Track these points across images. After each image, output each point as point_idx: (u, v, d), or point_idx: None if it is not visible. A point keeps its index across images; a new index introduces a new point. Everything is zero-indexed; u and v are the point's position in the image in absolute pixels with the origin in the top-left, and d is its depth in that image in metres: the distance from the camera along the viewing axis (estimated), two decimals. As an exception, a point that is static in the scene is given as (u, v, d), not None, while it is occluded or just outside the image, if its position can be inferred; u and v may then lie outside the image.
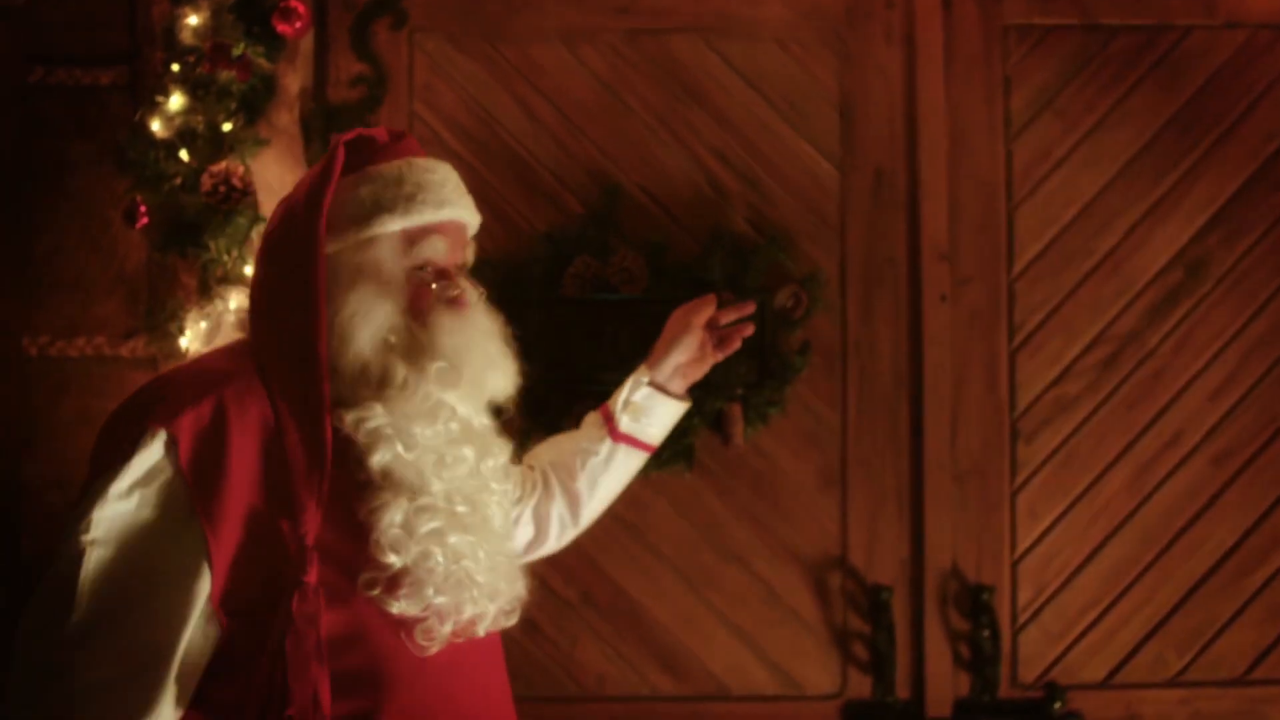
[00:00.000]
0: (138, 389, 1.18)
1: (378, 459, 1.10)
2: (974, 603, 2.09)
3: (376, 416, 1.11)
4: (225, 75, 2.02)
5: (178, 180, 2.03)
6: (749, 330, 1.48)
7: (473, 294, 1.20)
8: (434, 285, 1.17)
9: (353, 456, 1.11)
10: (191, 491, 1.04)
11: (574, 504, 1.51)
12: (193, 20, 1.98)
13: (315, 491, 1.07)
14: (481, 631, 1.16)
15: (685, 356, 1.46)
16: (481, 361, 1.18)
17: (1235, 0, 2.15)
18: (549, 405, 2.05)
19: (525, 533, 1.51)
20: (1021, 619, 2.12)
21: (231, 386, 1.11)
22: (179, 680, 1.05)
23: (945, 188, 2.15)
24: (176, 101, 2.04)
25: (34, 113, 2.13)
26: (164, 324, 2.08)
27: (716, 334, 1.46)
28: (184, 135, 2.03)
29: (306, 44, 2.10)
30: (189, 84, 2.05)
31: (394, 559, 1.07)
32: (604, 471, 1.49)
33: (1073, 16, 2.16)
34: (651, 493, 2.11)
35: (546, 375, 1.96)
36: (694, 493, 2.12)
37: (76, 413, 2.10)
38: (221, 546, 1.05)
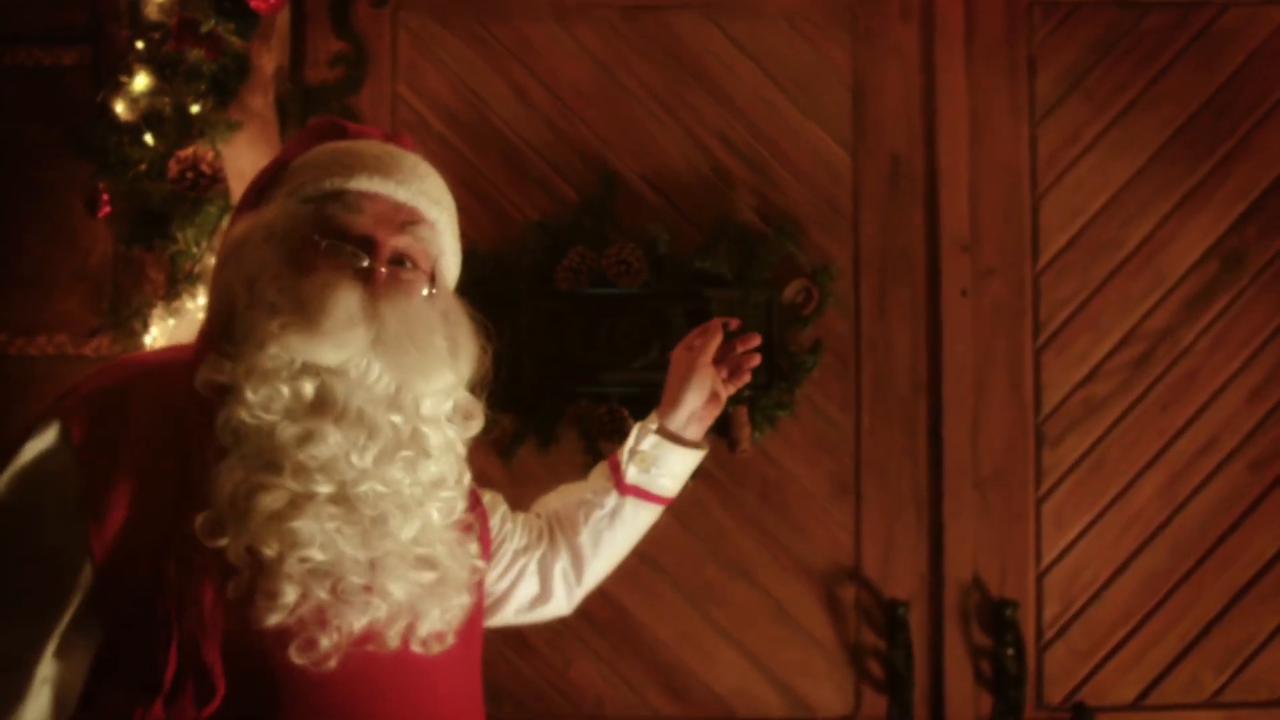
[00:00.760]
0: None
1: (222, 418, 1.00)
2: (997, 618, 1.99)
3: (222, 371, 1.02)
4: (194, 54, 1.91)
5: (142, 167, 1.92)
6: (756, 360, 1.40)
7: (414, 283, 1.09)
8: (336, 250, 1.05)
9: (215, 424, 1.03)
10: (81, 483, 1.00)
11: (577, 560, 1.40)
12: (159, -7, 1.87)
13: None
14: (392, 644, 1.03)
15: (700, 400, 1.37)
16: (406, 345, 1.05)
17: (1275, -25, 2.06)
18: (541, 407, 1.99)
19: (529, 588, 1.40)
20: (1047, 635, 2.04)
21: (146, 375, 1.07)
22: (54, 684, 1.00)
23: (965, 175, 2.06)
24: (141, 82, 1.93)
25: (-10, 95, 2.02)
26: (128, 321, 1.95)
27: (727, 366, 1.39)
28: (150, 118, 1.92)
29: (282, 21, 1.98)
30: (155, 63, 1.93)
31: (220, 541, 0.97)
32: (609, 526, 1.39)
33: (1102, -9, 2.07)
34: None
35: (538, 375, 1.93)
36: (697, 502, 2.03)
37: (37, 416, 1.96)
38: (108, 542, 0.99)
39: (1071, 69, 2.08)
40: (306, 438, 0.99)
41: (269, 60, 1.98)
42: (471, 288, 2.03)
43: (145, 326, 1.86)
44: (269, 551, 0.97)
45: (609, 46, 2.08)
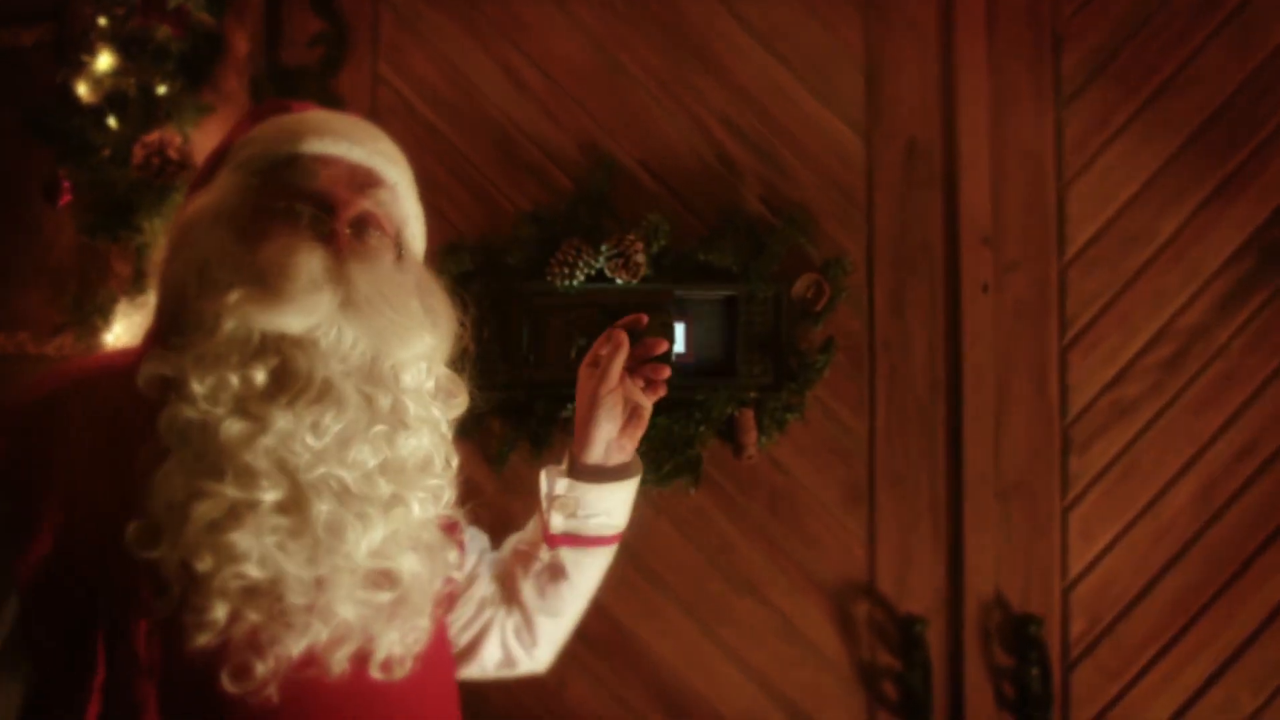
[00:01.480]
0: None
1: (165, 417, 0.93)
2: (1020, 636, 1.92)
3: (166, 364, 0.94)
4: (161, 31, 1.84)
5: (106, 152, 1.84)
6: (666, 372, 1.17)
7: (380, 249, 1.02)
8: (295, 210, 0.99)
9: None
10: (2, 510, 0.93)
11: (526, 620, 1.28)
12: (123, -34, 1.77)
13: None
14: (337, 669, 0.95)
15: (615, 424, 1.17)
16: (380, 306, 0.98)
17: (1317, -52, 1.99)
18: (532, 411, 1.90)
19: (493, 650, 1.28)
20: (1074, 654, 1.96)
21: (80, 384, 1.00)
22: None
23: (987, 161, 1.97)
24: (105, 61, 1.84)
25: (-55, 77, 1.93)
26: (92, 318, 1.84)
27: (640, 376, 1.17)
28: (113, 100, 1.83)
29: (258, -3, 1.91)
30: (119, 41, 1.84)
31: (153, 552, 0.90)
32: (551, 580, 1.25)
33: (1132, -35, 1.98)
34: (652, 512, 1.95)
35: (529, 376, 1.85)
36: (700, 512, 1.97)
37: (-5, 419, 1.86)
38: (35, 572, 0.92)
39: (1100, 49, 1.99)
40: (253, 432, 0.92)
41: (243, 40, 1.92)
42: (459, 282, 1.95)
43: (106, 322, 1.74)
44: (202, 565, 0.90)
45: (607, 25, 2.00)
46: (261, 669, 0.91)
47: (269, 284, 0.93)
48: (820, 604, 1.98)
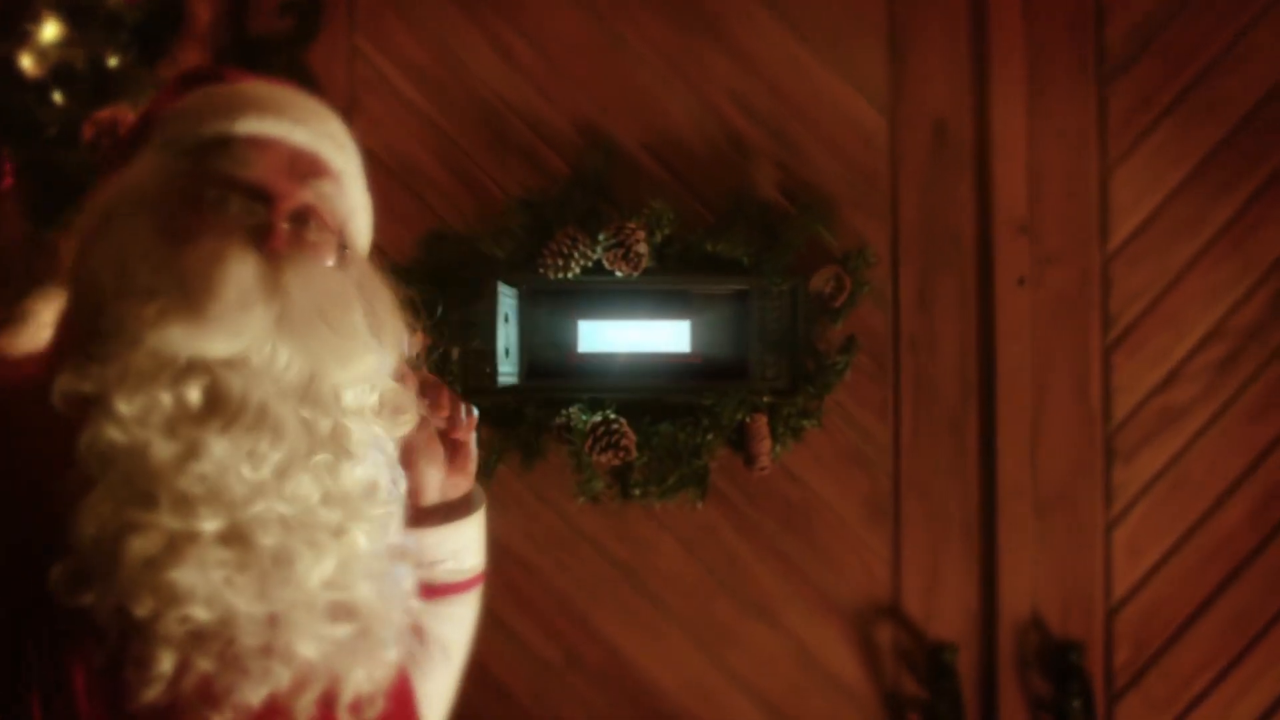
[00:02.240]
0: None
1: (85, 440, 0.84)
2: (1060, 663, 1.87)
3: (86, 378, 0.86)
4: None
5: (52, 131, 1.73)
6: (440, 392, 1.08)
7: (321, 246, 0.95)
8: (226, 204, 0.92)
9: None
10: None
11: None
12: (68, -76, 1.72)
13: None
14: (302, 716, 0.89)
15: (438, 465, 1.09)
16: (318, 324, 0.91)
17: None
18: (523, 416, 1.86)
19: None
20: (1119, 683, 1.90)
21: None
22: None
23: (1023, 143, 1.91)
24: (51, 30, 1.73)
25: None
26: (39, 314, 1.72)
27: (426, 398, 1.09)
28: (60, 74, 1.73)
29: (223, -38, 1.87)
30: (67, 9, 1.74)
31: (84, 598, 0.82)
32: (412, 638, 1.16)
33: (1183, -71, 1.94)
34: (655, 528, 1.92)
35: (520, 378, 1.83)
36: (708, 528, 1.92)
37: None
38: None
39: (1146, 20, 1.92)
40: (187, 456, 0.85)
41: (205, 7, 1.84)
42: (443, 275, 1.81)
43: (24, 318, 1.65)
44: (141, 610, 0.82)
45: (607, -5, 1.96)
46: None
47: (193, 299, 0.85)
48: (839, 628, 1.93)
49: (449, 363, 1.73)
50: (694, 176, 1.93)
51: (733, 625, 1.92)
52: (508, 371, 1.80)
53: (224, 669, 0.85)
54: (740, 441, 1.86)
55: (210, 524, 0.84)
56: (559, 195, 1.87)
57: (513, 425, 1.85)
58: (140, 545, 0.82)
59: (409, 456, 1.06)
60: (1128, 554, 1.90)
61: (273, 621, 0.86)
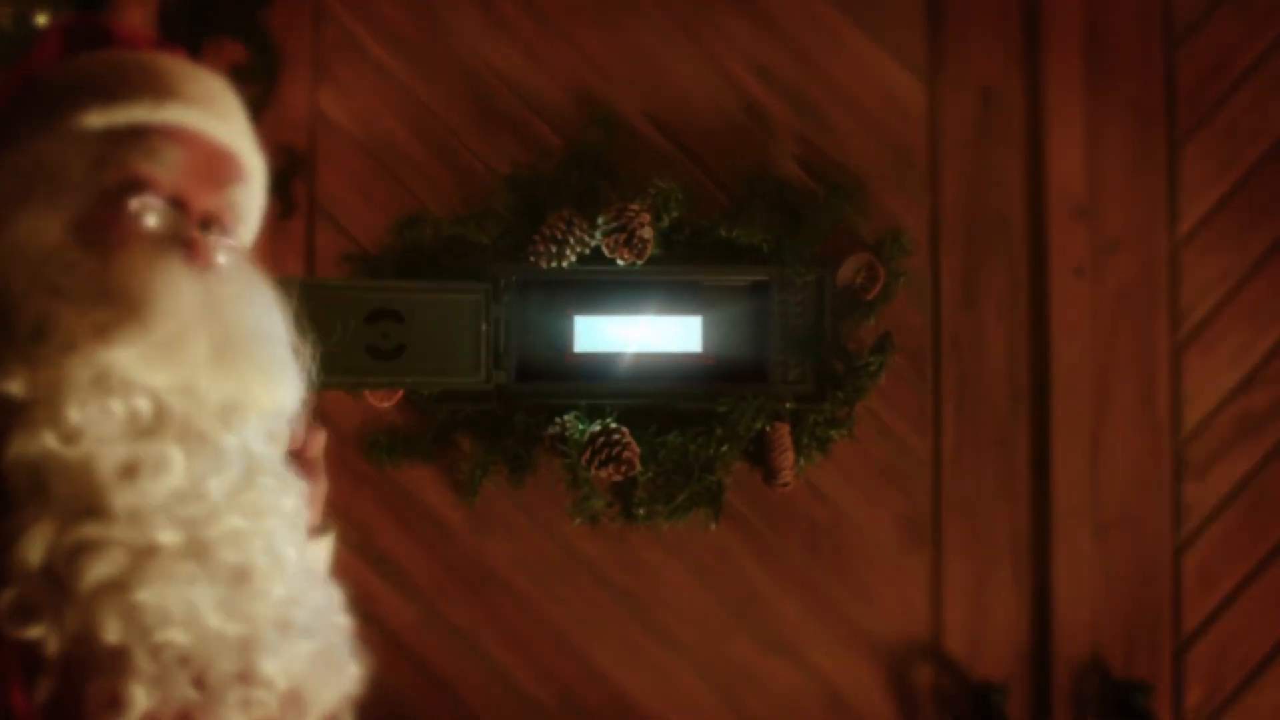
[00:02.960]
0: None
1: (16, 451, 0.83)
2: (1123, 707, 1.81)
3: (13, 380, 0.85)
4: None
5: None
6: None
7: (231, 253, 0.97)
8: (151, 216, 0.92)
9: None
10: None
11: None
12: None
13: None
14: None
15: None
16: (248, 345, 0.94)
17: None
18: (510, 426, 1.78)
19: None
20: None
21: None
22: None
23: (1080, 114, 1.83)
24: None
25: None
26: None
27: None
28: None
29: (171, -90, 1.75)
30: None
31: (32, 630, 0.81)
32: None
33: None
34: (661, 553, 1.85)
35: (508, 382, 1.75)
36: (722, 553, 1.86)
37: None
38: None
39: None
40: (138, 467, 0.85)
41: None
42: (423, 266, 1.70)
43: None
44: (110, 638, 0.81)
45: (610, -52, 1.91)
46: None
47: (136, 319, 0.86)
48: (872, 668, 1.86)
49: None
50: (706, 152, 1.88)
51: (751, 664, 1.86)
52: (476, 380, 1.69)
53: (203, 699, 0.84)
54: (759, 454, 1.80)
55: (169, 536, 0.84)
56: (552, 173, 1.82)
57: (500, 435, 1.78)
58: (100, 567, 0.81)
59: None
60: (1199, 582, 1.84)
61: (244, 644, 0.87)
